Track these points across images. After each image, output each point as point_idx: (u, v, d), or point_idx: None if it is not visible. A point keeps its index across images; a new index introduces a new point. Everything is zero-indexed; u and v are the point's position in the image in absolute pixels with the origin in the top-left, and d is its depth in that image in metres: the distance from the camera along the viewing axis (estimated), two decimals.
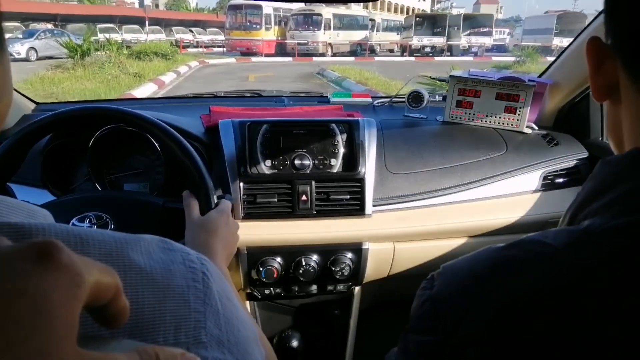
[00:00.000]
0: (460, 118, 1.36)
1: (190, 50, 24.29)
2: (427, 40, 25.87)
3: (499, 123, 1.33)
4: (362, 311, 1.32)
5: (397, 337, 0.49)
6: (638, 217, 0.38)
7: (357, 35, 25.49)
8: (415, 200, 1.16)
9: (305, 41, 22.66)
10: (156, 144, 1.07)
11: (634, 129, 0.45)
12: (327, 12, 23.00)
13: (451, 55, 23.98)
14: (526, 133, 1.32)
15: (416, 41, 25.41)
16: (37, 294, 0.19)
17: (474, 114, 1.35)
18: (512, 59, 16.10)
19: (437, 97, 1.53)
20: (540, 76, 1.41)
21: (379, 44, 27.23)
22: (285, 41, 23.11)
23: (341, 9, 24.32)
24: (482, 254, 0.45)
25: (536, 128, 1.36)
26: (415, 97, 1.38)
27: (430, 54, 24.73)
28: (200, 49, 24.41)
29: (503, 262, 0.43)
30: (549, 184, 1.25)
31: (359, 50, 25.23)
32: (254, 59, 19.98)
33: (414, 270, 1.25)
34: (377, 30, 27.56)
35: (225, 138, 1.11)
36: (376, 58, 22.06)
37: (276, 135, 1.11)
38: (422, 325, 0.44)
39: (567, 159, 1.27)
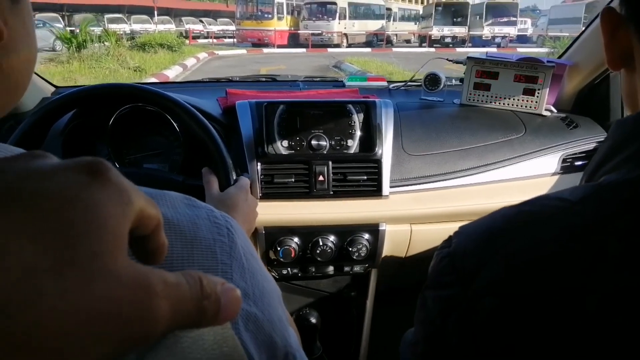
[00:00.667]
0: (478, 100, 1.35)
1: (200, 41, 23.53)
2: (448, 30, 24.36)
3: (517, 105, 1.32)
4: (379, 294, 1.32)
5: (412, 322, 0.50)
6: None
7: (373, 25, 24.42)
8: (432, 182, 1.16)
9: (320, 31, 21.58)
10: (175, 124, 1.07)
11: None
12: (342, 0, 21.96)
13: (473, 46, 22.43)
14: (545, 115, 1.31)
15: (436, 31, 23.91)
16: (90, 203, 0.20)
17: (491, 96, 1.33)
18: (538, 49, 15.35)
19: (454, 80, 1.52)
20: (559, 57, 1.39)
21: (396, 34, 26.07)
22: (299, 31, 22.15)
23: None
24: (498, 212, 0.46)
25: (555, 111, 1.34)
26: (432, 80, 1.37)
27: (451, 45, 23.40)
28: (211, 40, 23.78)
29: (518, 217, 0.44)
30: (568, 167, 1.23)
31: (375, 40, 24.21)
32: (265, 50, 19.18)
33: (431, 253, 1.24)
34: (394, 20, 26.43)
35: (242, 119, 1.12)
36: (394, 49, 21.05)
37: (293, 115, 1.11)
38: (440, 280, 0.46)
39: (586, 141, 1.26)
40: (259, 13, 21.23)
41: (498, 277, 0.40)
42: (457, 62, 1.44)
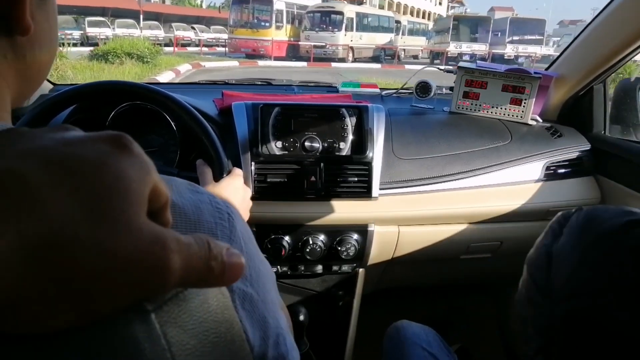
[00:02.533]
0: (467, 109, 1.39)
1: (190, 49, 21.75)
2: (467, 47, 21.61)
3: (504, 114, 1.36)
4: (366, 296, 1.35)
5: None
6: None
7: (382, 39, 22.25)
8: (420, 185, 1.20)
9: (323, 43, 19.24)
10: (171, 122, 1.10)
11: None
12: (349, 10, 19.73)
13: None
14: (531, 124, 1.36)
15: (453, 47, 21.34)
16: (117, 168, 0.23)
17: (480, 105, 1.38)
18: None
19: (444, 88, 1.56)
20: (546, 69, 1.44)
21: (404, 49, 23.69)
22: (299, 42, 19.79)
23: (365, 8, 21.18)
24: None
25: (540, 120, 1.39)
26: (423, 88, 1.41)
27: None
28: (201, 49, 21.46)
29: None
30: (551, 174, 1.28)
31: (383, 55, 22.09)
32: (260, 62, 16.73)
33: (417, 255, 1.28)
34: (403, 34, 24.47)
35: (238, 119, 1.15)
36: (406, 66, 17.69)
37: (287, 117, 1.14)
38: None
39: (569, 150, 1.30)
40: (255, 21, 18.97)
41: None
42: (448, 72, 1.48)
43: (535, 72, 1.34)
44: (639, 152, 1.22)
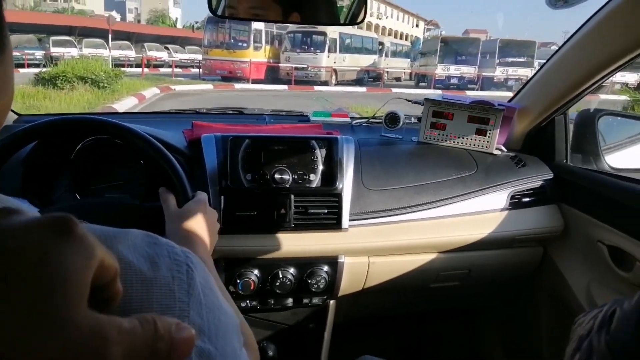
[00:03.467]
0: (434, 139, 1.42)
1: (163, 70, 20.63)
2: (455, 69, 20.90)
3: (470, 144, 1.40)
4: (337, 326, 1.34)
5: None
6: None
7: (365, 61, 21.56)
8: (389, 216, 1.21)
9: (305, 65, 18.18)
10: (137, 154, 1.09)
11: None
12: (332, 30, 18.35)
13: (482, 89, 19.12)
14: (496, 154, 1.39)
15: (441, 70, 20.65)
16: (56, 260, 0.23)
17: (447, 135, 1.41)
18: None
19: (412, 118, 1.60)
20: (509, 101, 1.49)
21: (387, 72, 22.70)
22: (279, 64, 18.70)
23: (348, 29, 18.62)
24: None
25: (505, 150, 1.43)
26: (391, 118, 1.44)
27: (454, 87, 20.22)
28: (177, 70, 20.34)
29: None
30: (516, 203, 1.31)
31: (366, 77, 21.42)
32: (237, 85, 15.83)
33: (388, 285, 1.28)
34: (386, 56, 23.77)
35: (207, 151, 1.14)
36: (393, 89, 16.99)
37: (257, 150, 1.14)
38: None
39: (533, 179, 1.34)
40: (232, 41, 17.78)
41: None
42: (416, 103, 1.51)
43: (498, 104, 1.38)
44: (599, 182, 1.26)
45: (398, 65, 24.97)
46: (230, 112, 1.71)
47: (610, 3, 1.07)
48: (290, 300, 1.21)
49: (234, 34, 17.97)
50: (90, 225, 0.38)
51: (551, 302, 1.46)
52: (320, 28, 17.66)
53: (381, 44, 23.30)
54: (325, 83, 18.20)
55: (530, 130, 1.45)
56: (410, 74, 25.70)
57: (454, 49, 21.65)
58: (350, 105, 9.88)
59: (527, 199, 1.32)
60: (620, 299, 0.47)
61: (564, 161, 1.43)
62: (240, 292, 1.13)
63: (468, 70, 21.06)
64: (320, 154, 1.17)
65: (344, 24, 1.13)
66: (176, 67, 21.12)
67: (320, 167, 1.16)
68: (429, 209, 1.23)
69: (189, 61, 25.15)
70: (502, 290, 1.59)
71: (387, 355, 1.06)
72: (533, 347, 1.54)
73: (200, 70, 19.07)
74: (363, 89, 16.91)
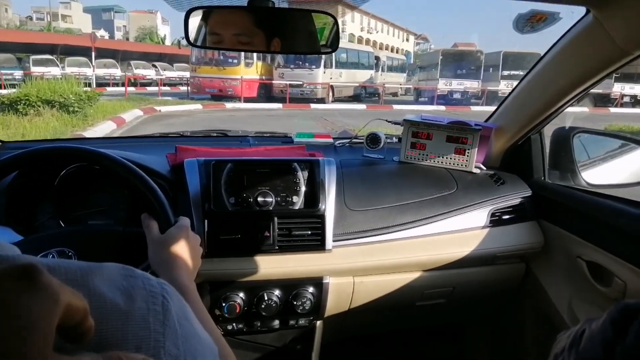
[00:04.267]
0: (415, 158, 1.45)
1: (151, 89, 19.81)
2: (458, 84, 19.46)
3: (449, 163, 1.43)
4: (324, 346, 1.34)
5: None
6: None
7: (362, 76, 20.58)
8: (373, 236, 1.22)
9: (300, 82, 17.04)
10: (119, 181, 1.09)
11: None
12: None
13: (487, 104, 17.41)
14: (475, 173, 1.42)
15: (443, 84, 19.30)
16: (19, 309, 0.23)
17: (427, 155, 1.44)
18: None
19: (394, 138, 1.63)
20: (486, 121, 1.53)
21: (384, 87, 21.13)
22: (272, 81, 17.62)
23: (343, 43, 18.37)
24: None
25: (484, 168, 1.46)
26: (373, 139, 1.47)
27: (455, 102, 18.85)
28: (165, 88, 19.42)
29: None
30: (496, 220, 1.33)
31: (363, 93, 20.50)
32: (228, 104, 14.89)
33: (374, 304, 1.29)
34: (383, 70, 22.72)
35: (190, 176, 1.15)
36: (394, 106, 16.33)
37: (240, 173, 1.16)
38: None
39: (512, 196, 1.37)
40: (221, 57, 16.54)
41: None
42: (396, 123, 1.55)
43: (475, 124, 1.42)
44: (576, 198, 1.30)
45: (394, 80, 24.00)
46: (215, 134, 1.72)
47: (577, 26, 1.12)
48: (276, 322, 1.21)
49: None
50: (65, 261, 0.39)
51: (535, 317, 1.48)
52: None
53: (377, 58, 22.27)
54: (322, 100, 17.40)
55: (507, 148, 1.49)
56: (408, 89, 24.49)
57: (456, 62, 20.07)
58: (356, 128, 8.84)
59: (507, 216, 1.35)
60: (591, 319, 0.49)
61: (542, 178, 1.46)
62: (226, 315, 1.13)
63: (471, 85, 19.68)
64: (302, 175, 1.19)
65: (322, 53, 1.16)
66: (164, 85, 20.45)
67: (303, 189, 1.18)
68: (411, 228, 1.25)
69: (177, 79, 24.22)
70: (487, 307, 1.61)
71: None
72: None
73: (189, 88, 18.06)
74: (363, 106, 16.01)
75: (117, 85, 20.45)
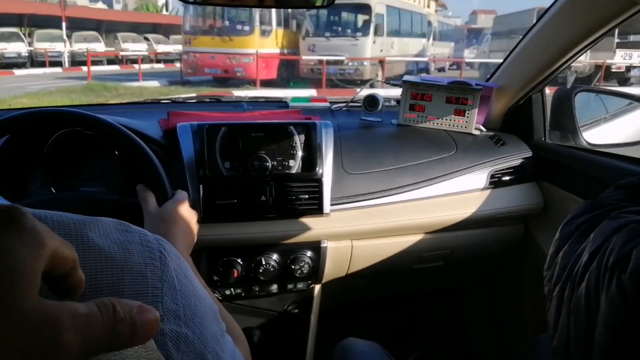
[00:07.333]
0: (414, 121, 1.42)
1: (144, 67, 13.39)
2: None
3: (449, 125, 1.40)
4: (323, 311, 1.35)
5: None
6: None
7: (414, 47, 15.28)
8: (371, 199, 1.21)
9: (341, 57, 11.71)
10: (113, 147, 1.07)
11: None
12: (378, 2, 12.10)
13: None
14: (475, 134, 1.40)
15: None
16: (2, 250, 0.22)
17: (426, 117, 1.41)
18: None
19: (392, 101, 1.59)
20: (487, 80, 1.50)
21: (433, 62, 16.73)
22: (299, 57, 12.23)
23: (393, 1, 13.13)
24: None
25: (484, 130, 1.43)
26: (370, 101, 1.43)
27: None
28: (158, 65, 15.78)
29: None
30: (496, 182, 1.32)
31: (415, 70, 14.85)
32: (237, 92, 8.42)
33: (372, 268, 1.29)
34: (434, 39, 17.70)
35: (183, 141, 1.13)
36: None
37: (235, 137, 1.13)
38: None
39: (512, 158, 1.35)
40: (227, 23, 11.67)
41: None
42: (395, 85, 1.51)
43: (476, 84, 1.38)
44: (577, 158, 1.28)
45: (444, 51, 19.27)
46: (207, 100, 1.68)
47: None
48: (274, 287, 1.21)
49: (230, 12, 11.45)
50: (59, 213, 0.37)
51: (534, 278, 1.49)
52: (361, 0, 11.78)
53: (429, 23, 16.84)
54: (370, 83, 10.18)
55: (508, 109, 1.46)
56: (460, 63, 16.82)
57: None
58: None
59: (507, 178, 1.33)
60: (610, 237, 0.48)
61: (543, 139, 1.44)
62: (224, 280, 1.12)
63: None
64: (299, 139, 1.16)
65: (321, 7, 1.11)
66: (157, 62, 17.20)
67: (300, 153, 1.16)
68: (409, 190, 1.23)
69: (174, 53, 18.78)
70: (485, 269, 1.61)
71: (374, 338, 1.06)
72: (516, 322, 1.57)
73: (181, 67, 12.75)
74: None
75: (101, 63, 16.77)
